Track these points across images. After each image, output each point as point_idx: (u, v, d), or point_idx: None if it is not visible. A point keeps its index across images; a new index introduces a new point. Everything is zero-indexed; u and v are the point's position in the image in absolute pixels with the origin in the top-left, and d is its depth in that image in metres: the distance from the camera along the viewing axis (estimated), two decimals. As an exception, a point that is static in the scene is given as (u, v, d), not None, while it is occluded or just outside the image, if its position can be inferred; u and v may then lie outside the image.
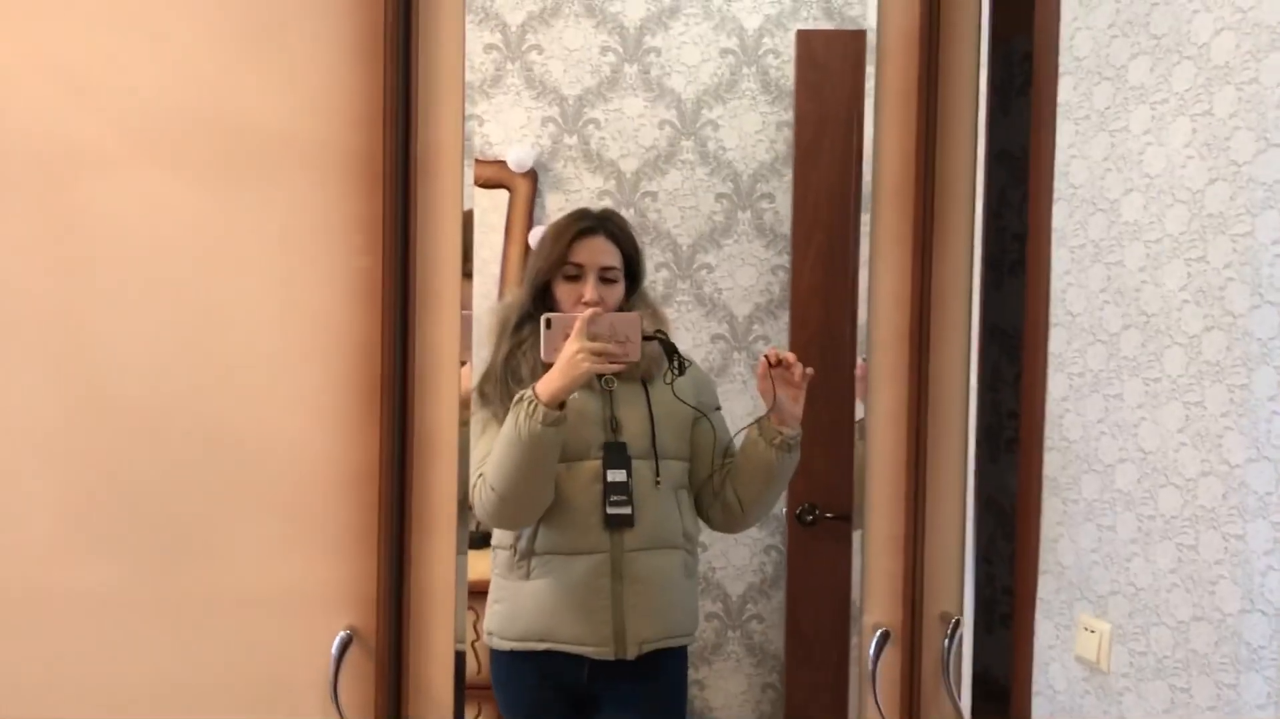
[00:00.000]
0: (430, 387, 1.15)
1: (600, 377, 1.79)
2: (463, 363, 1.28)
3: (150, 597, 1.24)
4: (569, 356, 1.71)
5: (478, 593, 2.59)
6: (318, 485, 1.18)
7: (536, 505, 1.87)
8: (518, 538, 1.93)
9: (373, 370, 1.16)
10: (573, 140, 2.94)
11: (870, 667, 1.18)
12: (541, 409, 1.70)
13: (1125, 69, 2.05)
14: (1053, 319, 2.22)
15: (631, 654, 1.92)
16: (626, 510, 1.89)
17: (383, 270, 1.13)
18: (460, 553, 1.24)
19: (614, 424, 1.91)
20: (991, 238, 4.01)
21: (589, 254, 1.97)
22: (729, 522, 1.96)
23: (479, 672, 2.49)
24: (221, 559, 1.22)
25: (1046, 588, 2.23)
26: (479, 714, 2.47)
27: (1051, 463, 2.22)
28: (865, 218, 1.21)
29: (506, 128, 2.91)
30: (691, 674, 2.35)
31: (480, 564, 2.81)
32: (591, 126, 2.94)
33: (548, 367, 1.74)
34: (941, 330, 1.14)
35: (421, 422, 1.17)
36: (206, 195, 1.18)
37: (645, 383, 1.94)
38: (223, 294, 1.21)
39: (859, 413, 1.38)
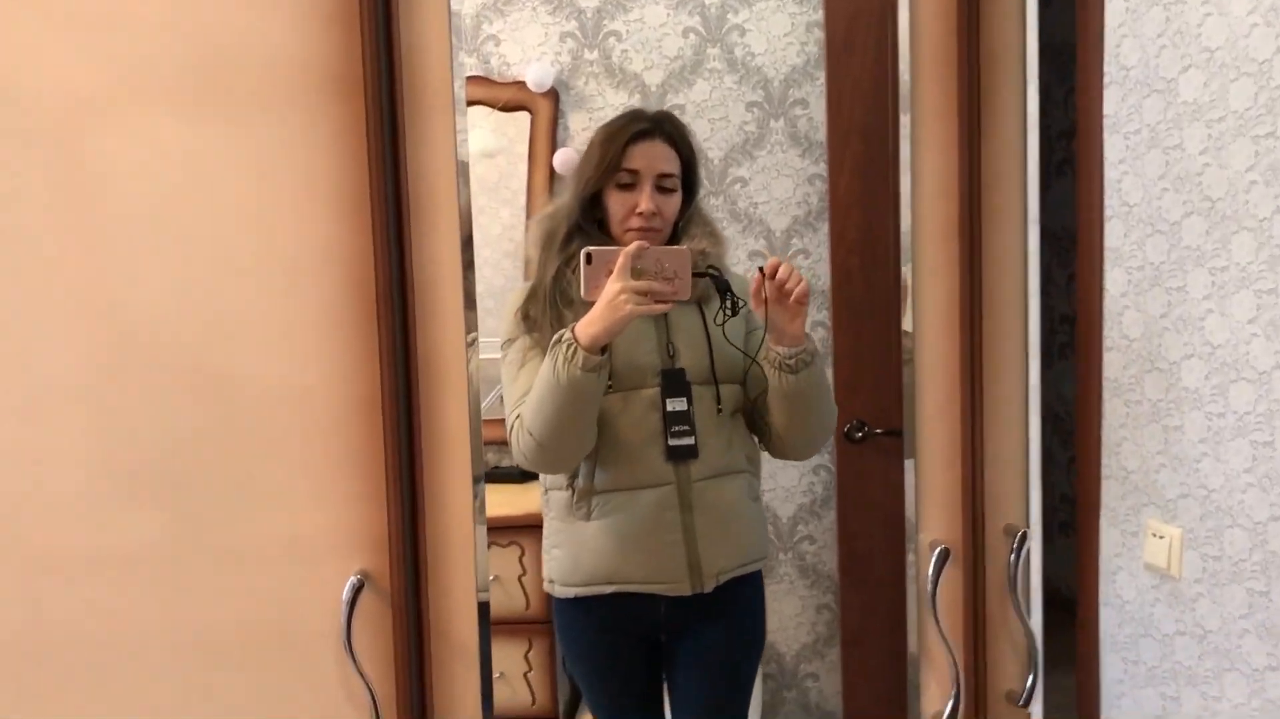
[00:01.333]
0: (431, 304, 1.06)
1: None
2: (469, 340, 1.16)
3: (156, 552, 1.18)
4: (611, 298, 1.55)
5: (502, 528, 2.55)
6: (318, 422, 1.10)
7: (577, 451, 1.75)
8: (574, 477, 1.80)
9: (367, 292, 1.07)
10: (594, 55, 2.82)
11: (929, 587, 1.10)
12: (581, 354, 1.59)
13: (1180, -65, 1.90)
14: (1108, 212, 2.09)
15: (709, 586, 1.80)
16: (689, 441, 1.76)
17: (370, 182, 1.04)
18: (476, 482, 1.16)
19: (671, 349, 1.78)
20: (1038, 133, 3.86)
21: (645, 159, 1.76)
22: (777, 450, 1.84)
23: (527, 607, 2.45)
24: (221, 509, 1.16)
25: (1110, 494, 2.14)
26: (529, 650, 2.43)
27: (1112, 364, 2.11)
28: (905, 118, 1.10)
29: (524, 46, 2.80)
30: (743, 599, 2.28)
31: (501, 498, 2.76)
32: (613, 39, 2.82)
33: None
34: (993, 224, 1.03)
35: (425, 343, 1.08)
36: (204, 132, 1.10)
37: (700, 304, 1.80)
38: (220, 233, 1.13)
39: (906, 323, 1.26)
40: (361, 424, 1.08)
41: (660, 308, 1.56)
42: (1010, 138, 1.05)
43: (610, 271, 1.55)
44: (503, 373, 1.80)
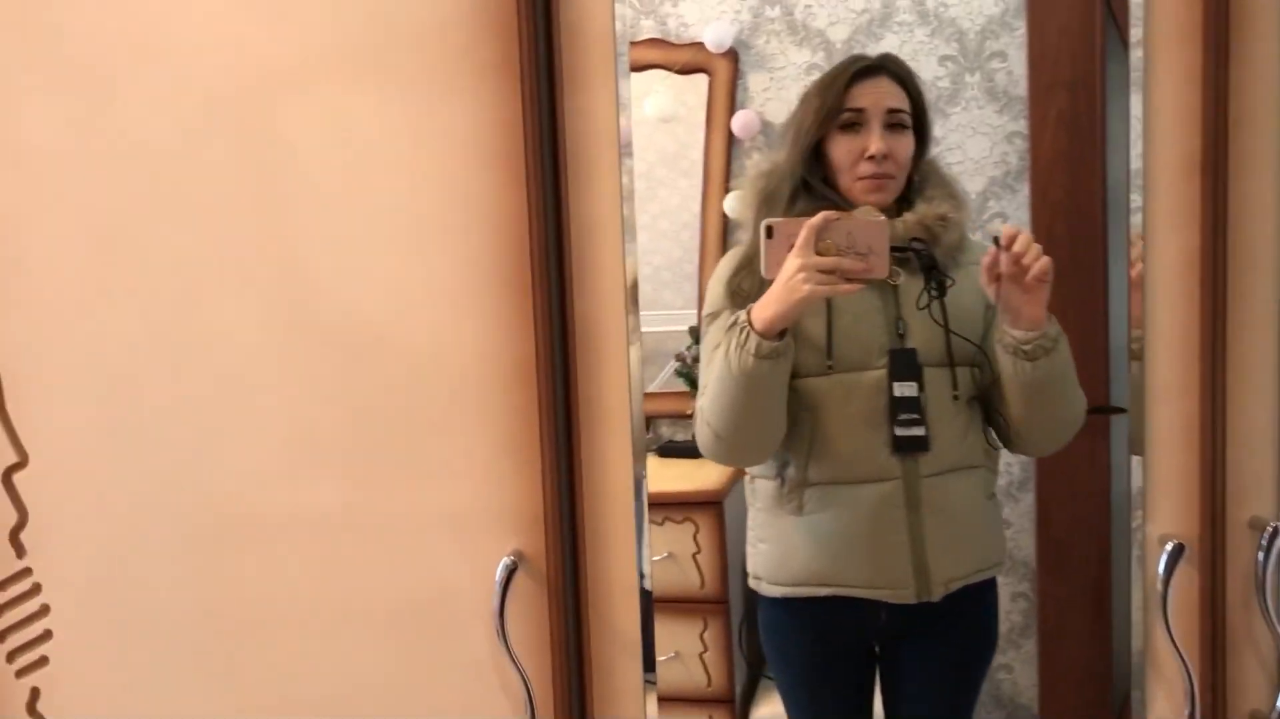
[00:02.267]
0: (590, 267, 0.99)
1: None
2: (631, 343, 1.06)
3: (330, 522, 1.16)
4: (788, 276, 1.39)
5: (677, 504, 2.48)
6: (473, 391, 1.04)
7: (759, 446, 1.62)
8: (784, 465, 1.66)
9: (523, 255, 1.00)
10: (775, 11, 2.69)
11: (1160, 588, 0.95)
12: (755, 338, 1.44)
13: None
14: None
15: (937, 595, 1.64)
16: (919, 432, 1.58)
17: (524, 139, 0.97)
18: (638, 460, 1.07)
19: (901, 326, 1.60)
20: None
21: (872, 96, 1.64)
22: (1015, 444, 1.65)
23: (702, 586, 2.38)
24: (387, 481, 1.12)
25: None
26: (704, 629, 2.36)
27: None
28: (1135, 33, 0.95)
29: (702, 5, 2.69)
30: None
31: (677, 473, 2.70)
32: (795, -7, 2.68)
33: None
34: (1242, 164, 0.87)
35: (582, 308, 1.00)
36: (369, 101, 1.07)
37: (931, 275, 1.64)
38: (384, 201, 1.09)
39: (1118, 293, 1.10)
40: (517, 394, 1.02)
41: (849, 288, 1.39)
42: (1265, 67, 0.88)
43: (794, 246, 1.40)
44: (701, 351, 1.71)
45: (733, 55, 2.73)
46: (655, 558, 2.41)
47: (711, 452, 1.64)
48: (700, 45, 2.67)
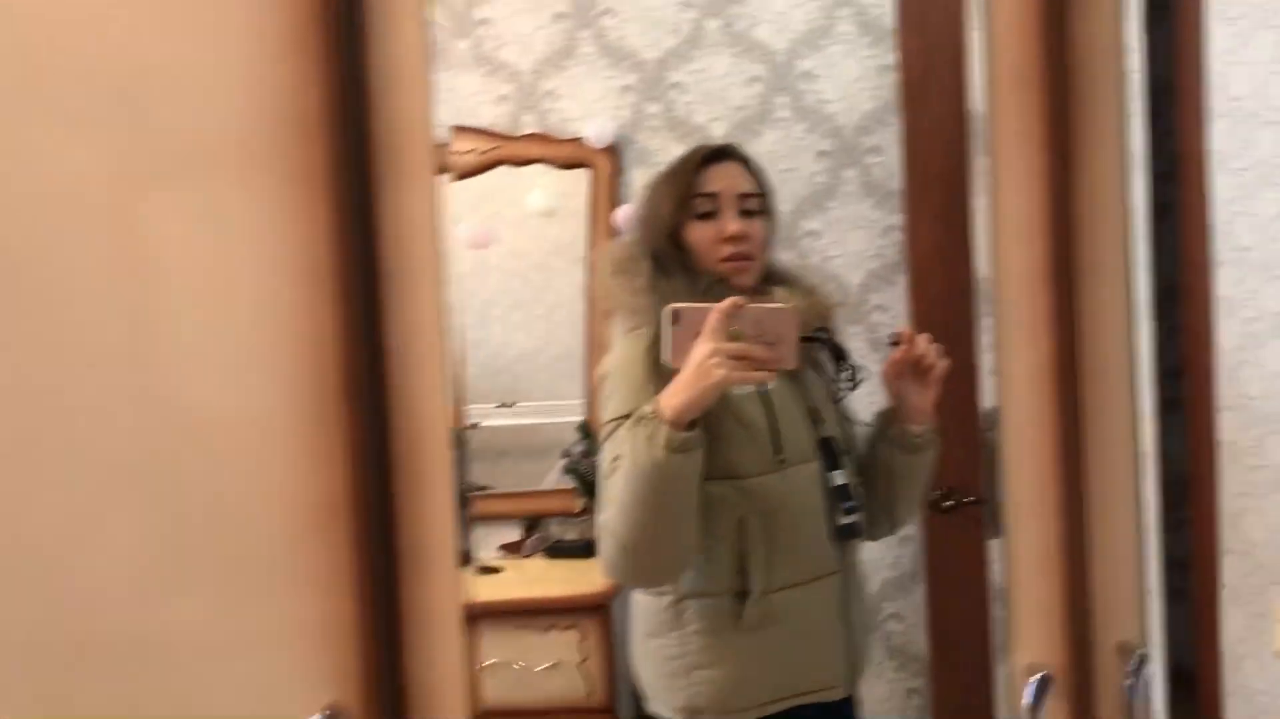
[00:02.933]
0: (410, 389, 0.91)
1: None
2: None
3: (136, 644, 1.05)
4: (699, 361, 1.29)
5: (561, 610, 2.38)
6: (277, 530, 0.94)
7: (674, 558, 1.45)
8: (740, 577, 1.49)
9: (335, 377, 0.92)
10: (656, 108, 2.70)
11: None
12: (664, 430, 1.32)
13: (1290, -50, 1.72)
14: (1218, 257, 1.89)
15: (857, 687, 1.57)
16: (856, 518, 1.51)
17: (334, 244, 0.89)
18: (458, 600, 0.98)
19: (815, 415, 1.54)
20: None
21: (723, 180, 1.52)
22: (869, 529, 1.63)
23: (588, 696, 2.29)
24: (192, 625, 1.01)
25: (1232, 572, 1.91)
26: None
27: (1228, 425, 1.90)
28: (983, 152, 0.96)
29: (583, 101, 2.68)
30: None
31: (562, 575, 2.59)
32: (675, 91, 2.69)
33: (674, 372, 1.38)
34: (1089, 273, 0.86)
35: (404, 437, 0.92)
36: (152, 199, 0.98)
37: (813, 367, 1.58)
38: (173, 312, 1.00)
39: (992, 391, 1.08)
40: (330, 533, 0.92)
41: (759, 376, 1.31)
42: (1106, 173, 0.88)
43: (700, 333, 1.34)
44: (602, 458, 1.54)
45: (614, 150, 2.72)
46: (539, 668, 2.33)
47: (619, 568, 1.45)
48: (580, 140, 2.66)
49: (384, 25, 0.91)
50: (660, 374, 1.37)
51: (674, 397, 1.30)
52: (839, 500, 1.50)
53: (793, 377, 1.50)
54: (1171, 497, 2.00)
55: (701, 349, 1.27)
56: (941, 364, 1.44)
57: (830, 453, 1.51)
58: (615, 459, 1.39)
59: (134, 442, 1.01)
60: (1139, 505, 0.88)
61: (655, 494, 1.34)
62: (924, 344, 1.44)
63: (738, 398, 1.47)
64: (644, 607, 1.55)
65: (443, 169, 0.99)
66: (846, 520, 1.49)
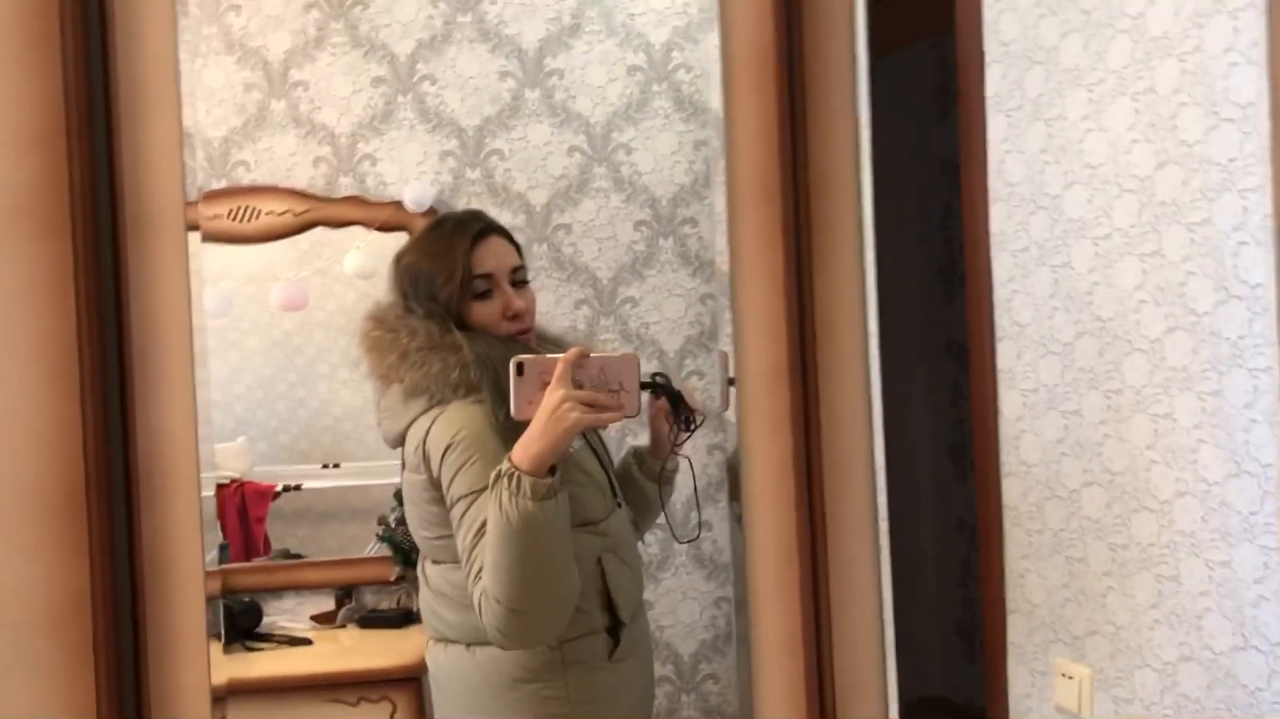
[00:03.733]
0: (159, 488, 0.88)
1: None
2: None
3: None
4: (553, 408, 1.32)
5: (373, 682, 2.33)
6: (18, 624, 0.89)
7: (562, 604, 1.45)
8: (611, 614, 1.56)
9: (76, 473, 0.88)
10: (475, 174, 2.72)
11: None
12: (527, 481, 1.34)
13: (1056, 50, 1.86)
14: (999, 332, 2.01)
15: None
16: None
17: (78, 336, 0.86)
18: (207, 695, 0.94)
19: (606, 457, 1.73)
20: (938, 249, 3.84)
21: (494, 259, 1.59)
22: None
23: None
24: None
25: (1017, 630, 2.01)
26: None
27: (1011, 490, 2.01)
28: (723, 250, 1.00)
29: (402, 165, 2.68)
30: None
31: (374, 646, 2.53)
32: (495, 158, 2.72)
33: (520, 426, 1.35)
34: (830, 368, 0.89)
35: (151, 538, 0.88)
36: None
37: None
38: None
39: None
40: (68, 635, 0.87)
41: (607, 418, 1.36)
42: (844, 276, 0.93)
43: (546, 383, 1.35)
44: (460, 535, 1.51)
45: (433, 215, 2.70)
46: (345, 744, 2.26)
47: (508, 632, 1.43)
48: (399, 204, 2.66)
49: (135, 110, 0.89)
50: (508, 441, 1.40)
51: (530, 446, 1.35)
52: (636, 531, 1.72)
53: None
54: (975, 544, 2.09)
55: (553, 396, 1.33)
56: (700, 416, 1.65)
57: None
58: (482, 526, 1.41)
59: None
60: (880, 590, 0.93)
61: (532, 546, 1.37)
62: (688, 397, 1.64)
63: (576, 450, 1.55)
64: (504, 659, 1.53)
65: (194, 227, 0.96)
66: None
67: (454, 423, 1.51)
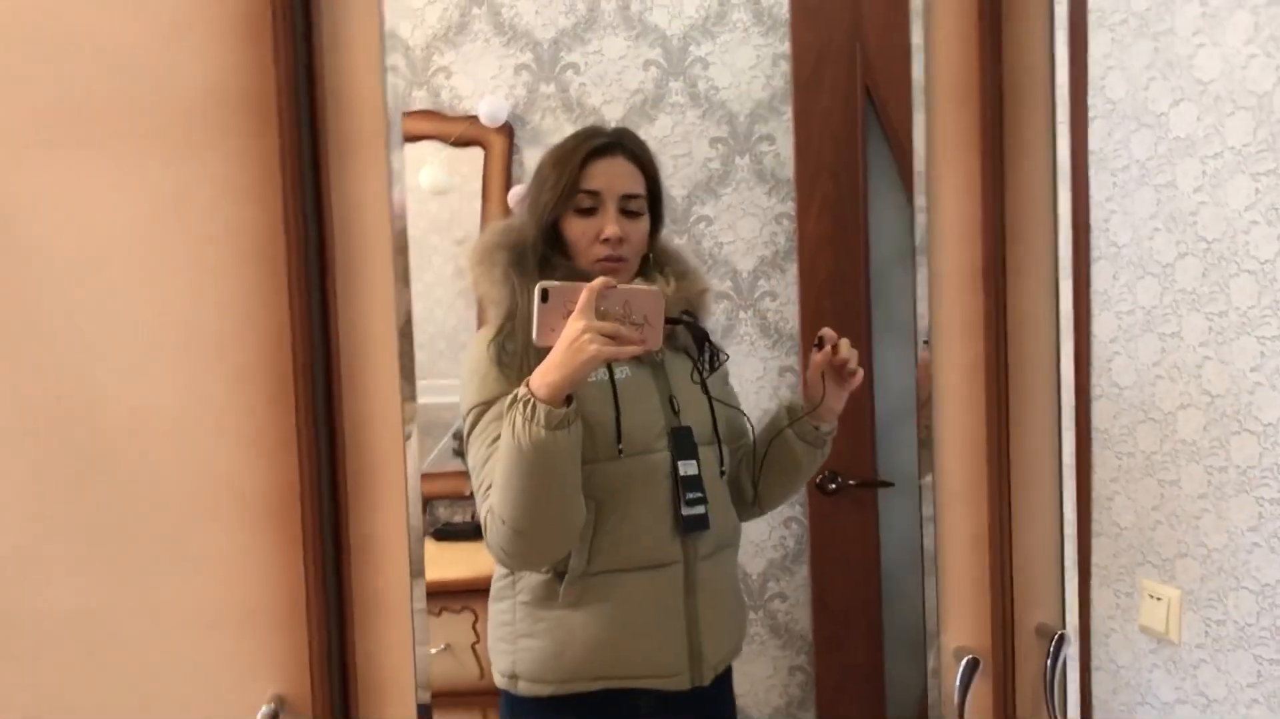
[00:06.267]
0: (360, 383, 0.89)
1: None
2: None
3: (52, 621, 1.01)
4: (572, 338, 1.31)
5: (454, 592, 2.37)
6: (224, 518, 0.92)
7: (563, 533, 1.46)
8: (565, 559, 1.52)
9: (283, 359, 0.90)
10: (550, 88, 2.69)
11: (957, 699, 0.95)
12: (542, 408, 1.33)
13: (1169, -38, 1.80)
14: (1095, 252, 1.98)
15: (708, 679, 1.59)
16: (702, 510, 1.54)
17: (285, 240, 0.87)
18: (416, 576, 0.97)
19: (675, 405, 1.57)
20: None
21: (606, 178, 1.58)
22: (747, 513, 1.68)
23: (481, 677, 2.28)
24: (130, 622, 0.98)
25: (1102, 552, 2.01)
26: (484, 723, 2.26)
27: (1101, 413, 1.99)
28: (919, 151, 0.97)
29: (476, 79, 2.65)
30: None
31: (453, 557, 2.58)
32: (570, 72, 2.69)
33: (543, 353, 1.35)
34: (1022, 272, 0.89)
35: (353, 430, 0.90)
36: (92, 174, 0.94)
37: (689, 354, 1.61)
38: (113, 295, 0.97)
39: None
40: (279, 523, 0.90)
41: (628, 352, 1.34)
42: (1035, 181, 0.91)
43: (570, 312, 1.34)
44: (470, 451, 1.54)
45: (508, 130, 2.70)
46: (433, 650, 2.31)
47: (511, 551, 1.46)
48: (475, 119, 2.64)
49: (334, 12, 0.89)
50: (503, 364, 1.42)
51: (547, 374, 1.34)
52: (686, 491, 1.53)
53: (653, 366, 1.54)
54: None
55: (574, 326, 1.32)
56: (860, 373, 1.53)
57: (683, 442, 1.54)
58: (491, 444, 1.42)
59: (88, 417, 0.97)
60: (1060, 490, 0.93)
61: (542, 473, 1.37)
62: (846, 350, 1.51)
63: (584, 386, 1.47)
64: (494, 576, 1.63)
65: (408, 138, 0.97)
66: (690, 512, 1.53)
67: (472, 345, 1.55)
